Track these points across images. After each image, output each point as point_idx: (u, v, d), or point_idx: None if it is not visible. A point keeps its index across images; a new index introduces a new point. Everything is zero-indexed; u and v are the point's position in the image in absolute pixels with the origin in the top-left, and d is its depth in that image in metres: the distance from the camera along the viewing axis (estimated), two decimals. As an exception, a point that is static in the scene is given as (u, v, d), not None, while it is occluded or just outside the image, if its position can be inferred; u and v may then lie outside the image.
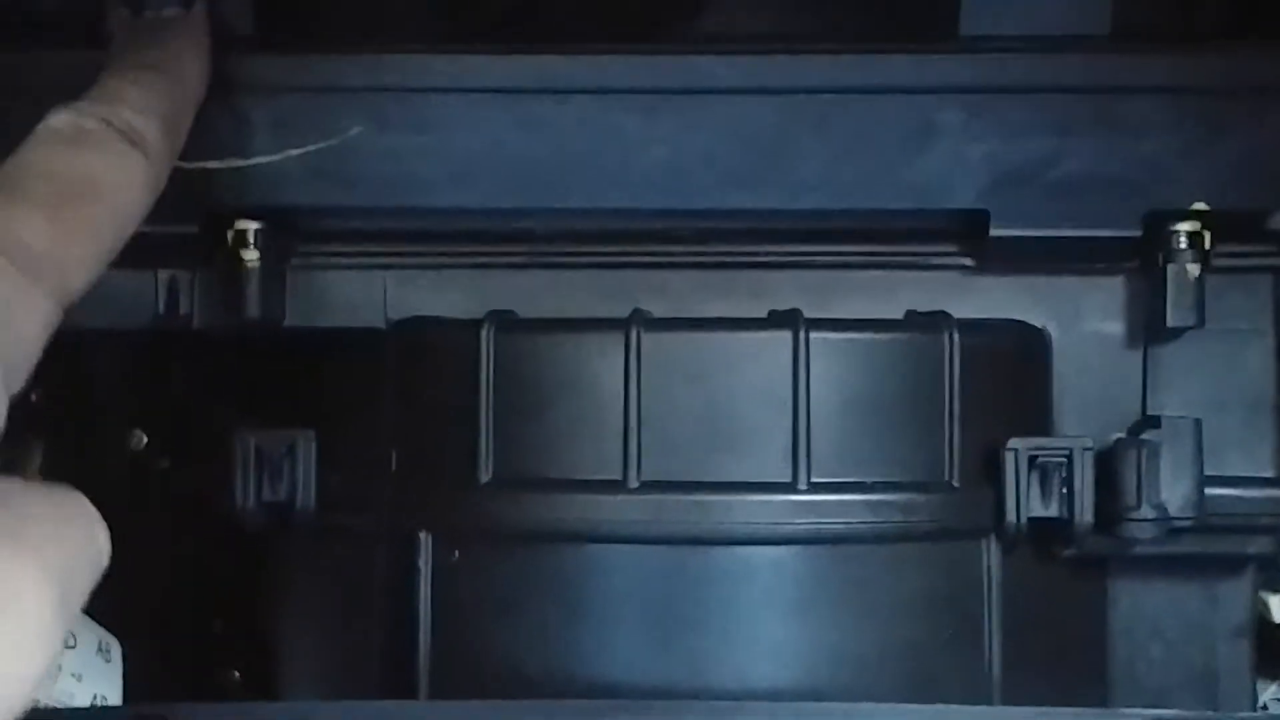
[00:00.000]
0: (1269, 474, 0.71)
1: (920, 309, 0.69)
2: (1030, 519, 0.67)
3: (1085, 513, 0.67)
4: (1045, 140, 0.65)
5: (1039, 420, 0.70)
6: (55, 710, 0.72)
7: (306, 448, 0.68)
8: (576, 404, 0.66)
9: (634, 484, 0.65)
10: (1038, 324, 0.70)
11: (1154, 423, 0.69)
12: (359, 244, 0.70)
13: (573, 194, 0.66)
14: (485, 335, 0.67)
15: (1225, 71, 0.65)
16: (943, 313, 0.69)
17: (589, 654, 0.66)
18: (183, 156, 0.59)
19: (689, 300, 0.70)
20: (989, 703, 0.68)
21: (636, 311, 0.68)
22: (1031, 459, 0.67)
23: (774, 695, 0.65)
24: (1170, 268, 0.66)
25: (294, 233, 0.69)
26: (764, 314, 0.68)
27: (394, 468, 0.69)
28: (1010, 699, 0.68)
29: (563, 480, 0.66)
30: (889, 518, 0.66)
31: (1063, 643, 0.72)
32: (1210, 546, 0.71)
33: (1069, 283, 0.70)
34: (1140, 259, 0.68)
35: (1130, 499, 0.67)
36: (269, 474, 0.68)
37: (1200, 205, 0.66)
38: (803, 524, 0.66)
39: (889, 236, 0.69)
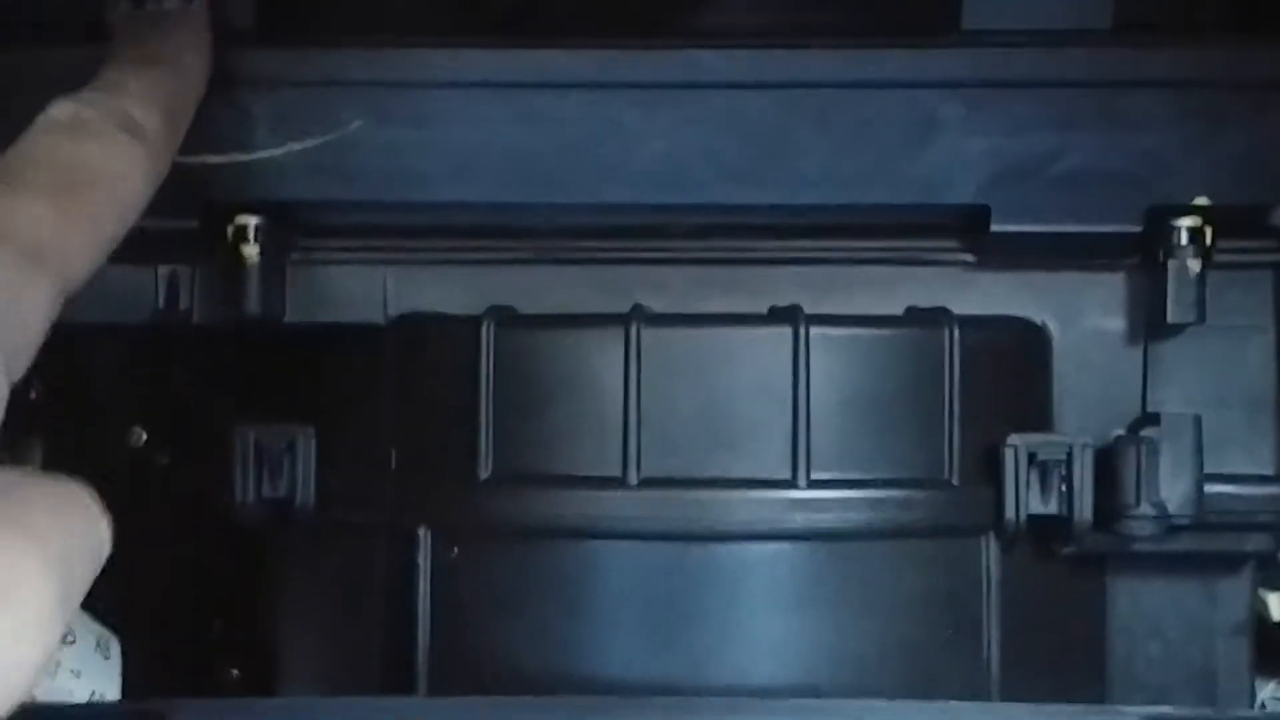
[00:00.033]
0: (1269, 471, 0.70)
1: (920, 305, 0.69)
2: (1029, 516, 0.67)
3: (1084, 510, 0.67)
4: (1046, 135, 0.65)
5: (1039, 417, 0.70)
6: (54, 706, 0.72)
7: (306, 444, 0.68)
8: (576, 400, 0.66)
9: (633, 480, 0.65)
10: (1038, 320, 0.70)
11: (1154, 419, 0.69)
12: (359, 239, 0.70)
13: (572, 189, 0.66)
14: (485, 331, 0.67)
15: (1227, 66, 0.65)
16: (943, 309, 0.69)
17: (588, 650, 0.66)
18: (182, 151, 0.59)
19: (689, 296, 0.70)
20: (988, 700, 0.67)
21: (636, 307, 0.68)
22: (1031, 456, 0.67)
23: (773, 692, 0.65)
24: (1171, 263, 0.66)
25: (294, 228, 0.69)
26: (764, 310, 0.68)
27: (393, 464, 0.69)
28: (1009, 696, 0.68)
29: (562, 476, 0.66)
30: (888, 515, 0.66)
31: (1062, 640, 0.72)
32: (1209, 544, 0.71)
33: (1069, 278, 0.70)
34: (1141, 255, 0.68)
35: (1129, 496, 0.67)
36: (268, 470, 0.68)
37: (1202, 200, 0.66)
38: (802, 520, 0.66)
39: (889, 232, 0.69)
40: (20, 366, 0.46)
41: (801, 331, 0.66)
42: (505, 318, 0.68)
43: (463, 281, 0.70)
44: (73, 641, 0.77)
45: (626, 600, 0.66)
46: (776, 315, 0.67)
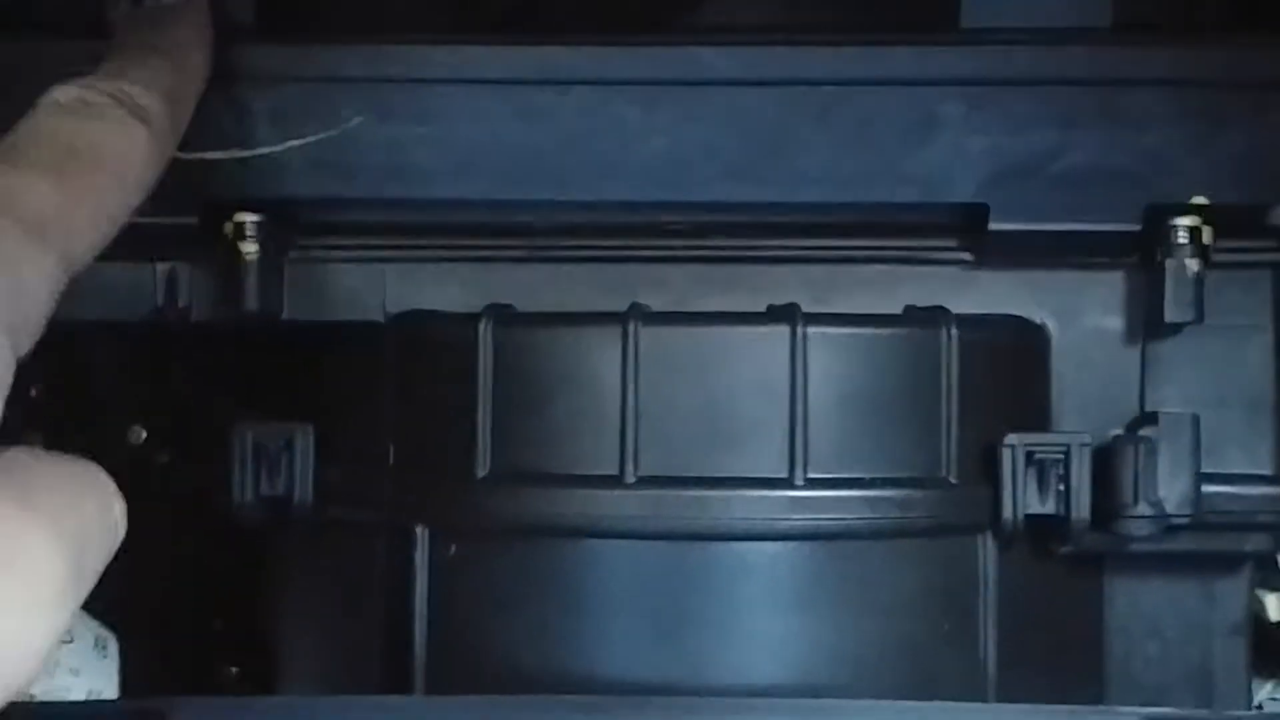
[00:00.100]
0: (1267, 471, 0.70)
1: (919, 304, 0.69)
2: (1027, 515, 0.67)
3: (1082, 509, 0.67)
4: (1045, 133, 0.65)
5: (1037, 416, 0.70)
6: (52, 704, 0.72)
7: (305, 442, 0.68)
8: (574, 398, 0.66)
9: (631, 479, 0.65)
10: (1036, 319, 0.70)
11: (1152, 419, 0.69)
12: (358, 237, 0.70)
13: (572, 186, 0.66)
14: (483, 329, 0.67)
15: (1226, 65, 0.65)
16: (941, 308, 0.69)
17: (586, 649, 0.66)
18: (182, 147, 0.59)
19: (688, 294, 0.70)
20: (985, 699, 0.67)
21: (634, 306, 0.68)
22: (1029, 455, 0.67)
23: (770, 691, 0.65)
24: (1169, 263, 0.66)
25: (293, 225, 0.69)
26: (763, 309, 0.68)
27: (392, 462, 0.69)
28: (1006, 696, 0.68)
29: (560, 475, 0.66)
30: (886, 513, 0.66)
31: (1059, 640, 0.72)
32: (1207, 544, 0.71)
33: (1068, 278, 0.70)
34: (1140, 254, 0.68)
35: (1127, 496, 0.67)
36: (267, 468, 0.69)
37: (1200, 200, 0.66)
38: (800, 519, 0.66)
39: (888, 230, 0.69)
40: (25, 343, 0.45)
41: (799, 330, 0.66)
42: (504, 316, 0.68)
43: (462, 279, 0.70)
44: (70, 640, 0.77)
45: (624, 598, 0.66)
46: (774, 314, 0.67)
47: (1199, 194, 0.65)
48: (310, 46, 0.66)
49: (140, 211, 0.54)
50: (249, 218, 0.67)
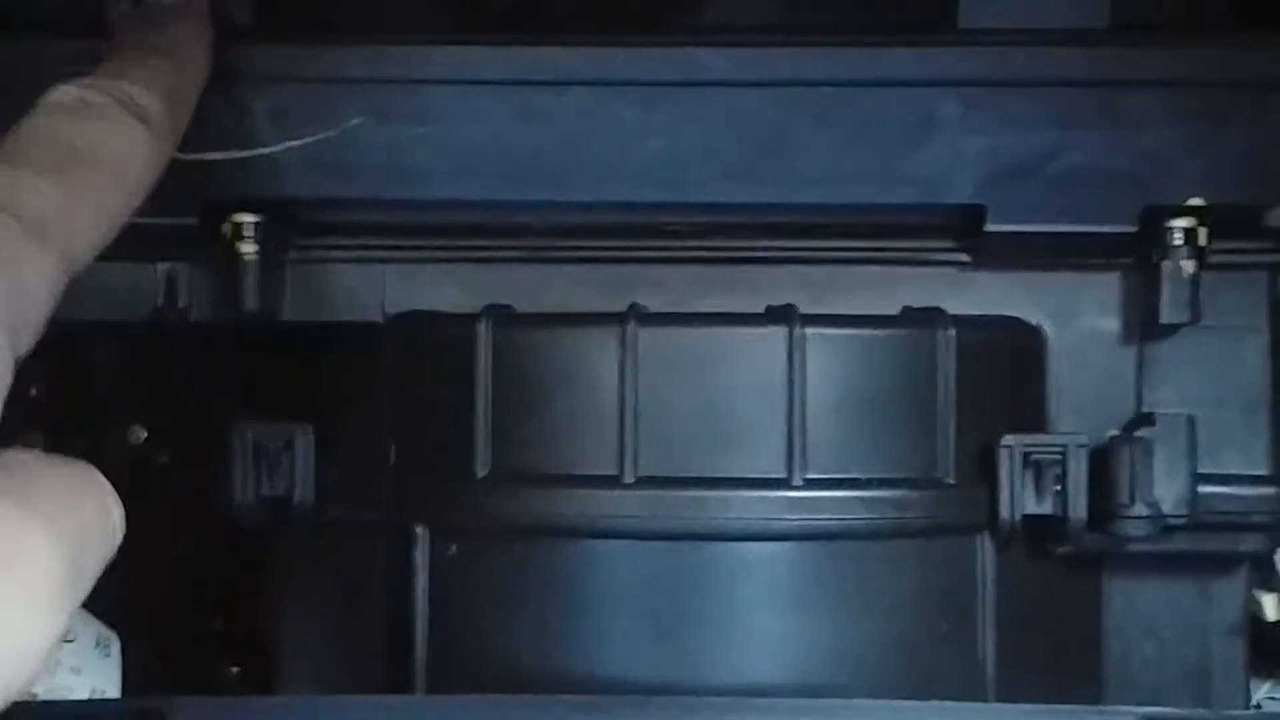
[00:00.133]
0: (1263, 471, 0.71)
1: (916, 305, 0.70)
2: (1024, 516, 0.67)
3: (1079, 510, 0.67)
4: (1042, 134, 0.65)
5: (1034, 417, 0.70)
6: (54, 703, 0.72)
7: (305, 442, 0.69)
8: (573, 399, 0.66)
9: (630, 479, 0.66)
10: (1033, 320, 0.70)
11: (1148, 419, 0.69)
12: (357, 237, 0.70)
13: (571, 186, 0.66)
14: (482, 330, 0.67)
15: (1224, 66, 0.65)
16: (938, 309, 0.69)
17: (585, 648, 0.66)
18: (181, 148, 0.59)
19: (687, 295, 0.70)
20: (983, 699, 0.68)
21: (633, 306, 0.68)
22: (1026, 456, 0.67)
23: (769, 691, 0.65)
24: (1165, 264, 0.66)
25: (292, 226, 0.69)
26: (761, 309, 0.69)
27: (392, 462, 0.69)
28: (1004, 696, 0.68)
29: (559, 475, 0.66)
30: (884, 514, 0.66)
31: (1057, 640, 0.72)
32: (1204, 544, 0.71)
33: (1065, 279, 0.70)
34: (1136, 255, 0.68)
35: (1124, 496, 0.67)
36: (267, 468, 0.69)
37: (1196, 201, 0.66)
38: (798, 520, 0.66)
39: (886, 231, 0.70)
40: (26, 342, 0.45)
41: (797, 331, 0.66)
42: (503, 316, 0.68)
43: (461, 280, 0.70)
44: (72, 639, 0.77)
45: (623, 598, 0.66)
46: (772, 315, 0.68)
47: (1196, 195, 0.66)
48: (310, 47, 0.66)
49: (140, 212, 0.54)
50: (248, 218, 0.67)
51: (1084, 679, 0.73)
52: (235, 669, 0.85)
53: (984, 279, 0.70)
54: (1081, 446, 0.67)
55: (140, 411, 0.82)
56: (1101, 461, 0.67)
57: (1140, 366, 0.70)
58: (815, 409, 0.66)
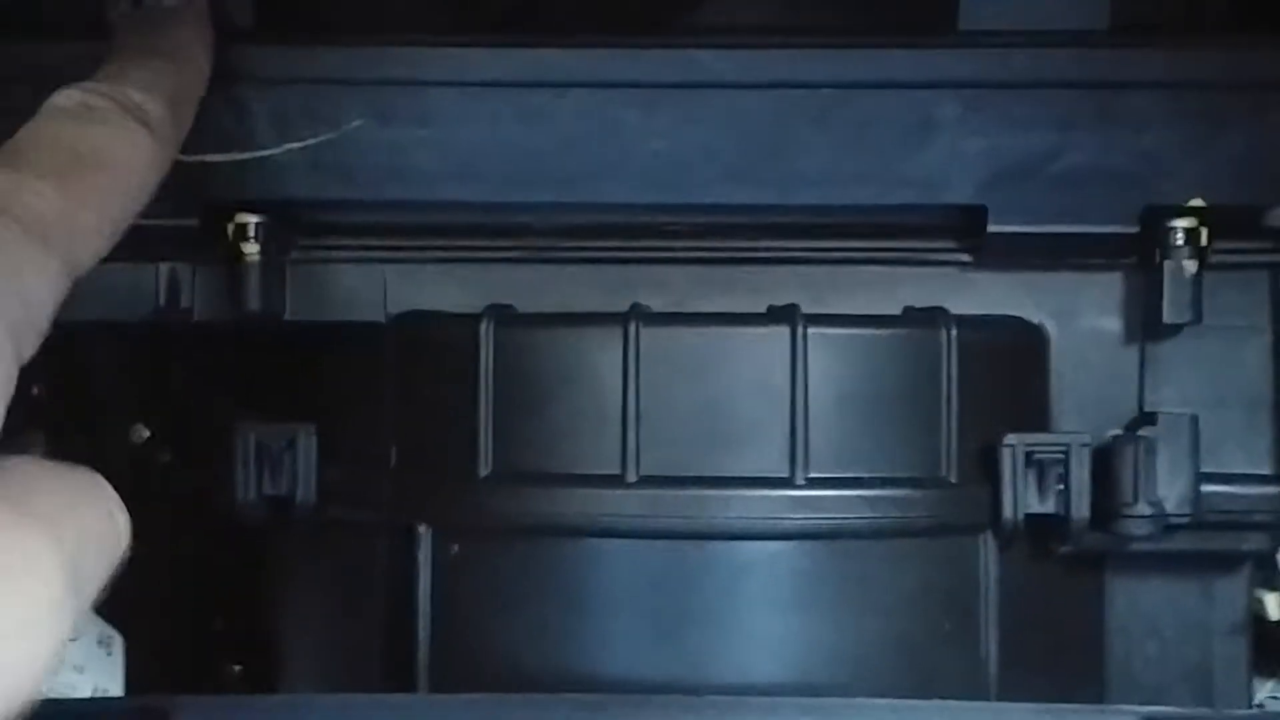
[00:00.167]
0: (1265, 471, 0.71)
1: (918, 305, 0.69)
2: (1027, 515, 0.67)
3: (1081, 509, 0.67)
4: (1043, 135, 0.65)
5: (1036, 416, 0.70)
6: (57, 701, 0.72)
7: (307, 442, 0.69)
8: (575, 399, 0.66)
9: (632, 478, 0.66)
10: (1035, 320, 0.70)
11: (1151, 419, 0.69)
12: (359, 238, 0.70)
13: (572, 188, 0.66)
14: (484, 330, 0.67)
15: (1224, 66, 0.65)
16: (940, 309, 0.69)
17: (587, 648, 0.66)
18: (183, 149, 0.59)
19: (688, 295, 0.70)
20: (985, 698, 0.68)
21: (635, 306, 0.68)
22: (1028, 455, 0.67)
23: (771, 690, 0.65)
24: (1167, 264, 0.66)
25: (294, 226, 0.69)
26: (763, 309, 0.69)
27: (393, 462, 0.69)
28: (1006, 695, 0.68)
29: (561, 475, 0.66)
30: (886, 513, 0.66)
31: (1059, 639, 0.72)
32: (1206, 543, 0.71)
33: (1066, 279, 0.70)
34: (1138, 255, 0.68)
35: (1127, 495, 0.67)
36: (269, 468, 0.69)
37: (1197, 201, 0.66)
38: (800, 519, 0.66)
39: (887, 232, 0.70)
40: (29, 346, 0.45)
41: (799, 331, 0.66)
42: (504, 316, 0.68)
43: (462, 280, 0.70)
44: (75, 638, 0.77)
45: (625, 598, 0.66)
46: (774, 315, 0.67)
47: (1197, 195, 0.66)
48: (310, 48, 0.66)
49: (142, 213, 0.54)
50: (250, 219, 0.67)
51: (1086, 678, 0.73)
52: (237, 668, 0.85)
53: (986, 279, 0.70)
54: (1084, 446, 0.67)
55: (142, 411, 0.82)
56: (1104, 461, 0.67)
57: (1142, 366, 0.70)
58: (817, 408, 0.66)
